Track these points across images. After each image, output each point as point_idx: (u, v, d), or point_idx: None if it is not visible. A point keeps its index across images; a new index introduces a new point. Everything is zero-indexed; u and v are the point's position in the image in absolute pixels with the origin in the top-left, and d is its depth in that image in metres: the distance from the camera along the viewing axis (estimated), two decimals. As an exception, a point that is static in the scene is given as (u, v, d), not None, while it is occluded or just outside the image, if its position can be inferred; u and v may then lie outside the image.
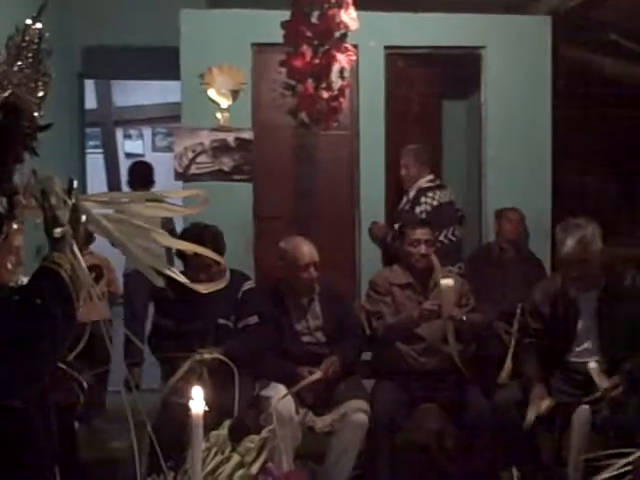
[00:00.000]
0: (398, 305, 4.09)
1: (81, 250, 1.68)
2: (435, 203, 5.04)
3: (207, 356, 3.46)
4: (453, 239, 5.03)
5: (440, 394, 3.99)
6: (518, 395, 3.75)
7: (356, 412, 3.80)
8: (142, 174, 6.41)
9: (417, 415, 3.99)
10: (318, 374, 3.87)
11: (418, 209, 5.04)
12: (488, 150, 5.67)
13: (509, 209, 5.11)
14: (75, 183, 1.70)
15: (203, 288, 1.91)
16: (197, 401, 1.85)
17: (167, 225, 5.47)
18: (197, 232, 3.75)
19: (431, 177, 5.20)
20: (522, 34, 5.60)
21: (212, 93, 5.39)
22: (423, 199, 5.05)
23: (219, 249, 3.66)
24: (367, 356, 4.30)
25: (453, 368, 3.97)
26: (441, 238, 4.92)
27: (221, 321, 3.87)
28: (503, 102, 5.61)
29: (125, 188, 7.28)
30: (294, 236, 4.20)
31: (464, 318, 3.97)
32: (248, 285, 3.99)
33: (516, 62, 5.58)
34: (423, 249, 4.10)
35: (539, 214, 5.38)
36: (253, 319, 3.92)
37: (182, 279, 1.81)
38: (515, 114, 5.58)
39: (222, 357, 2.94)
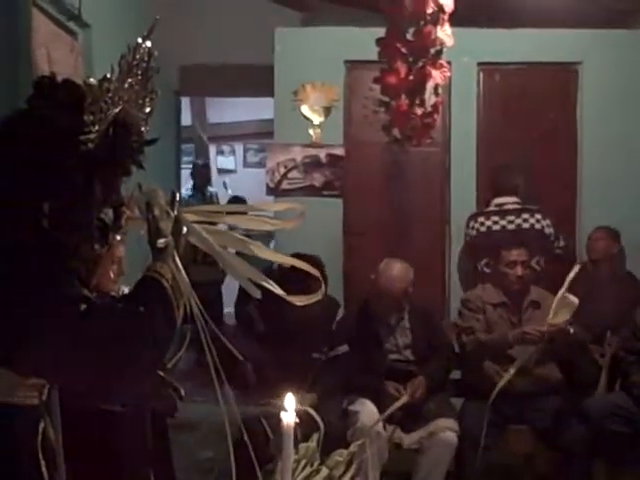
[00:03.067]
0: (491, 324, 4.03)
1: (182, 260, 1.73)
2: (512, 227, 4.72)
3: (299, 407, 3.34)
4: (537, 268, 4.61)
5: (532, 416, 3.91)
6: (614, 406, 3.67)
7: (445, 430, 3.76)
8: (201, 174, 7.43)
9: (507, 437, 3.92)
10: (405, 398, 3.83)
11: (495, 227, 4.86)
12: (584, 167, 5.54)
13: (599, 228, 4.91)
14: (177, 196, 1.75)
15: (299, 300, 1.93)
16: (289, 412, 1.88)
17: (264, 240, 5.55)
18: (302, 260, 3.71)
19: (514, 199, 4.85)
20: (620, 48, 5.47)
21: (305, 110, 5.47)
22: (502, 221, 4.78)
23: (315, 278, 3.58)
24: (456, 374, 4.25)
25: (545, 390, 3.89)
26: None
27: (315, 355, 3.83)
28: (600, 118, 5.48)
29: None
30: (395, 259, 4.15)
31: (571, 330, 3.88)
32: (341, 315, 3.95)
33: (614, 77, 5.45)
34: (519, 271, 4.03)
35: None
36: (343, 348, 3.89)
37: (279, 291, 1.84)
38: (613, 130, 5.44)
39: (310, 411, 2.87)
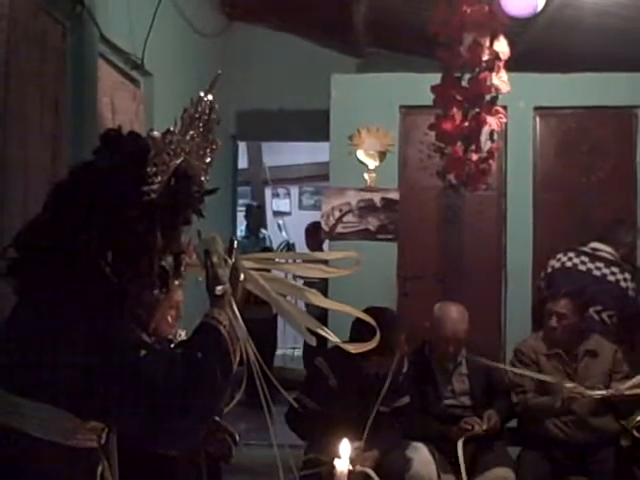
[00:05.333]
0: (546, 374, 3.92)
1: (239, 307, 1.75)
2: (597, 274, 4.63)
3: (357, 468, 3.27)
4: (607, 321, 4.55)
5: (590, 467, 3.80)
6: None
7: (502, 480, 3.69)
8: (255, 216, 7.56)
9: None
10: (480, 427, 3.76)
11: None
12: (644, 212, 5.45)
13: None
14: (236, 243, 1.79)
15: (353, 348, 1.93)
16: (343, 459, 1.88)
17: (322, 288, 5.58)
18: (374, 313, 3.66)
19: (610, 250, 4.71)
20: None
21: (360, 154, 5.52)
22: (590, 264, 4.69)
23: (395, 333, 3.52)
24: (512, 422, 4.17)
25: (604, 441, 3.79)
26: (591, 312, 4.51)
27: (381, 408, 3.71)
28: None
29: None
30: (450, 303, 4.11)
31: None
32: (406, 368, 3.88)
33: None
34: (554, 322, 3.95)
35: None
36: (405, 399, 3.83)
37: (334, 338, 1.85)
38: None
39: (371, 472, 2.82)
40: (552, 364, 3.96)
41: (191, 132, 1.66)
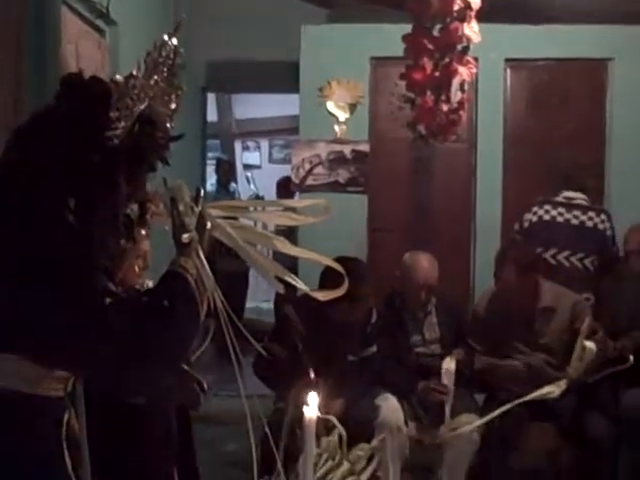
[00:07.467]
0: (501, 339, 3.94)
1: (206, 255, 1.74)
2: (575, 222, 4.67)
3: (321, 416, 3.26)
4: (590, 268, 4.63)
5: (556, 413, 3.88)
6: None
7: (467, 426, 3.75)
8: (224, 170, 7.61)
9: (530, 433, 3.89)
10: (452, 360, 3.82)
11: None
12: (613, 164, 5.49)
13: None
14: (202, 192, 1.77)
15: (322, 295, 1.93)
16: (311, 407, 1.89)
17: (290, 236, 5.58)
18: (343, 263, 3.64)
19: (583, 196, 4.76)
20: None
21: (330, 106, 5.48)
22: (567, 214, 4.72)
23: (363, 282, 3.51)
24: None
25: (571, 387, 3.85)
26: (574, 261, 4.62)
27: (350, 357, 3.76)
28: (630, 114, 5.42)
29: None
30: (419, 252, 4.13)
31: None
32: (375, 318, 3.90)
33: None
34: (504, 286, 3.90)
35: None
36: (373, 349, 3.85)
37: (302, 286, 1.84)
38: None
39: (334, 420, 2.85)
40: (508, 324, 3.95)
41: (155, 77, 1.62)
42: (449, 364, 3.84)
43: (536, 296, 3.93)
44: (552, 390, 3.72)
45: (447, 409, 3.78)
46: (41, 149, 1.53)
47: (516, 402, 3.59)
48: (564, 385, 3.70)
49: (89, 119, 1.54)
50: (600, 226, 4.69)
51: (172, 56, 1.65)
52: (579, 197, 4.76)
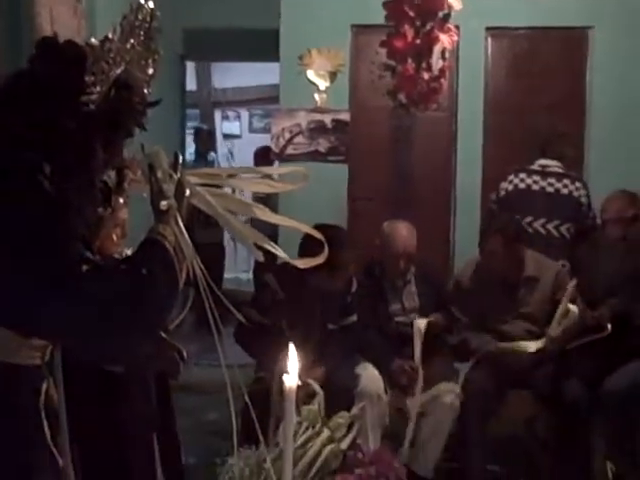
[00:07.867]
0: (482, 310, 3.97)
1: (185, 223, 1.72)
2: (551, 190, 4.70)
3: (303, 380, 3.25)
4: (566, 235, 4.68)
5: (534, 381, 3.92)
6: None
7: (447, 394, 3.78)
8: (203, 139, 7.45)
9: (509, 401, 3.93)
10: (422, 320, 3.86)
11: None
12: (593, 133, 5.50)
13: (617, 190, 4.79)
14: (180, 158, 1.74)
15: (302, 263, 1.92)
16: (291, 375, 1.89)
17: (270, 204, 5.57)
18: (323, 230, 3.60)
19: (558, 164, 4.77)
20: (632, 13, 5.40)
21: (311, 74, 5.44)
22: (542, 182, 4.74)
23: (343, 250, 3.49)
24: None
25: (549, 355, 3.89)
26: (550, 228, 4.67)
27: (330, 326, 3.77)
28: (611, 83, 5.43)
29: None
30: (398, 220, 4.13)
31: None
32: (355, 287, 3.90)
33: (625, 42, 5.39)
34: (488, 258, 3.93)
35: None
36: (353, 318, 3.87)
37: (282, 254, 1.83)
38: (624, 96, 5.40)
39: (315, 385, 2.83)
40: (493, 294, 3.97)
41: (131, 40, 1.59)
42: (420, 324, 3.87)
43: (521, 266, 3.95)
44: (529, 345, 3.78)
45: (417, 389, 3.82)
46: (15, 114, 1.50)
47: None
48: (541, 343, 3.75)
49: (64, 83, 1.51)
50: (575, 193, 4.71)
51: (149, 19, 1.62)
52: (554, 164, 4.78)
